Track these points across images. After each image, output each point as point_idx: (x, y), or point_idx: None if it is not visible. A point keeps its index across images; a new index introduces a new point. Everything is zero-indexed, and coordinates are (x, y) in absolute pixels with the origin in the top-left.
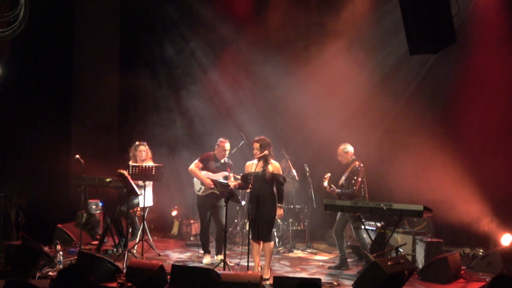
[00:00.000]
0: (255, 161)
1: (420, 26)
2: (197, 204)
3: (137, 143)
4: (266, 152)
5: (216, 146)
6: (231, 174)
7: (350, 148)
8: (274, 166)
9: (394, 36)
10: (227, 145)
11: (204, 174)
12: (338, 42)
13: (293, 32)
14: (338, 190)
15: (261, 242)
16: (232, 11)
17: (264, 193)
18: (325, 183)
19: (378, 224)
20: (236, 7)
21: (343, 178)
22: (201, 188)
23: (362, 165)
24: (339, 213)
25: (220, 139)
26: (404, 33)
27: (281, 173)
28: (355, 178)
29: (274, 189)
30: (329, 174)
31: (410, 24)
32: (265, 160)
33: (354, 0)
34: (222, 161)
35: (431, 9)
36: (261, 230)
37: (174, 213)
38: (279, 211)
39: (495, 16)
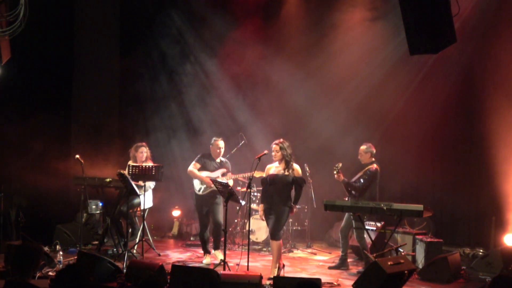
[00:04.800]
0: (276, 163)
1: (420, 26)
2: (196, 205)
3: (137, 144)
4: (265, 152)
5: (211, 145)
6: (230, 173)
7: (371, 150)
8: (295, 169)
9: (394, 36)
10: (221, 143)
11: (203, 174)
12: (339, 42)
13: (294, 31)
14: (345, 179)
15: (280, 241)
16: (231, 10)
17: (281, 195)
18: (335, 172)
19: (378, 224)
20: (236, 6)
21: (356, 176)
22: (201, 188)
23: (378, 169)
24: (347, 213)
25: (214, 138)
26: (404, 33)
27: (301, 175)
28: (363, 179)
29: (292, 191)
30: (340, 164)
31: (410, 24)
32: (287, 162)
33: (353, 2)
34: (218, 160)
35: (431, 9)
36: (272, 229)
37: (176, 213)
38: (294, 209)
39: (495, 15)
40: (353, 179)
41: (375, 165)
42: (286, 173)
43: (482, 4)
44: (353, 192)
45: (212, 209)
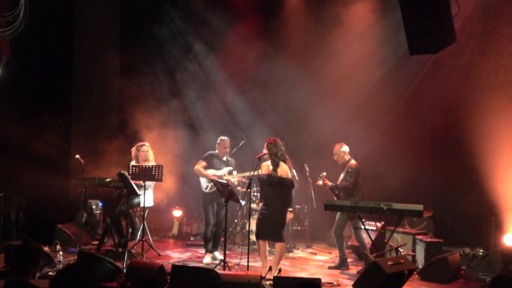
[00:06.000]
0: (269, 162)
1: (420, 26)
2: (203, 202)
3: (139, 143)
4: (265, 152)
5: (217, 144)
6: (235, 172)
7: (345, 148)
8: (281, 169)
9: (394, 36)
10: (228, 142)
11: (209, 172)
12: (339, 42)
13: (294, 31)
14: (332, 184)
15: (266, 242)
16: (231, 7)
17: (271, 195)
18: (320, 182)
19: (378, 224)
20: (236, 4)
21: (340, 178)
22: (208, 186)
23: (357, 164)
24: (338, 213)
25: (221, 137)
26: (404, 33)
27: (289, 175)
28: (349, 177)
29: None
30: (324, 173)
31: (410, 24)
32: (274, 162)
33: (354, 1)
34: (225, 159)
35: (431, 9)
36: (269, 230)
37: (177, 213)
38: (289, 215)
39: (496, 15)
40: (338, 181)
41: (352, 162)
42: (274, 172)
43: (482, 4)
44: (341, 194)
45: (218, 211)
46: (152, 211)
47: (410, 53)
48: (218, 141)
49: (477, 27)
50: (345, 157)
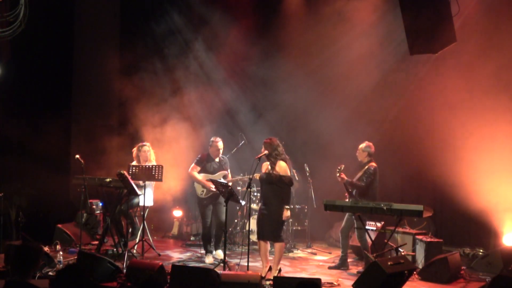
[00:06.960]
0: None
1: (420, 26)
2: (199, 206)
3: (141, 143)
4: (264, 152)
5: (209, 146)
6: (228, 172)
7: (369, 149)
8: (280, 167)
9: (394, 35)
10: (220, 144)
11: (203, 176)
12: (338, 42)
13: (294, 29)
14: (349, 179)
15: (268, 242)
16: (231, 6)
17: (270, 194)
18: (338, 174)
19: (378, 224)
20: (236, 3)
21: (357, 176)
22: (203, 191)
23: (376, 166)
24: (347, 213)
25: (212, 138)
26: (404, 33)
27: (288, 174)
28: (365, 177)
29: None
30: (343, 166)
31: (410, 24)
32: (270, 161)
33: (354, 1)
34: (217, 160)
35: (431, 9)
36: (268, 230)
37: (178, 213)
38: (285, 213)
39: (496, 15)
40: (355, 179)
41: (373, 164)
42: (273, 171)
43: (482, 4)
44: (354, 192)
45: (215, 209)
46: (152, 211)
47: (410, 53)
48: (210, 143)
49: (477, 27)
50: (367, 157)
